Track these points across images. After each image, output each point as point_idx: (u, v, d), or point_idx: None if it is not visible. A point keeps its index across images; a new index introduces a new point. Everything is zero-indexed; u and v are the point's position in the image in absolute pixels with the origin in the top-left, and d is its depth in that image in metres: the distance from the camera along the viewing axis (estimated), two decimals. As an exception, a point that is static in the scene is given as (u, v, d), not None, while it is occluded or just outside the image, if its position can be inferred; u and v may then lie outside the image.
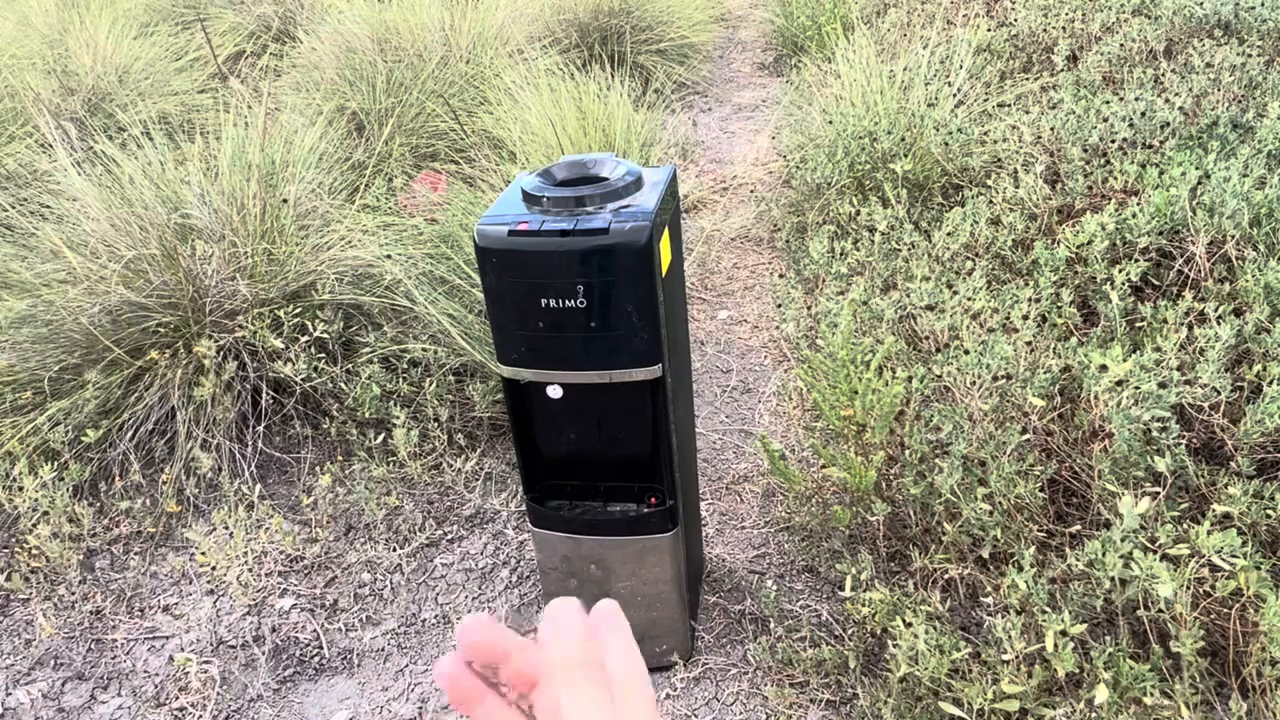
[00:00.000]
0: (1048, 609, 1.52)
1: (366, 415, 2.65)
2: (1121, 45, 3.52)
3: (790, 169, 3.98)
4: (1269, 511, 1.56)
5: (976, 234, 2.61)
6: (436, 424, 2.68)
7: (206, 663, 2.12)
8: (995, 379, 1.92)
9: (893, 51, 4.33)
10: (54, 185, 3.17)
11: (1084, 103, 3.02)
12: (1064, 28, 3.99)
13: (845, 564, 1.87)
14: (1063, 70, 3.57)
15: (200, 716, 1.99)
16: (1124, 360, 1.73)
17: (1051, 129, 2.96)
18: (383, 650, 2.13)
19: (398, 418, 2.52)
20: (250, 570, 2.33)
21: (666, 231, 1.59)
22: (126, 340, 2.56)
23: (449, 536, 2.45)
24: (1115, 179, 2.53)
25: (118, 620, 2.26)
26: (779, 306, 3.33)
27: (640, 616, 1.91)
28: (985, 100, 3.60)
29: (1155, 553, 1.48)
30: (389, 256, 2.88)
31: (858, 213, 3.06)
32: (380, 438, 2.61)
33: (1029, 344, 2.03)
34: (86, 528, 2.43)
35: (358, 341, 2.78)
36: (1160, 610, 1.47)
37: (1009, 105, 3.44)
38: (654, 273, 1.49)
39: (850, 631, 1.96)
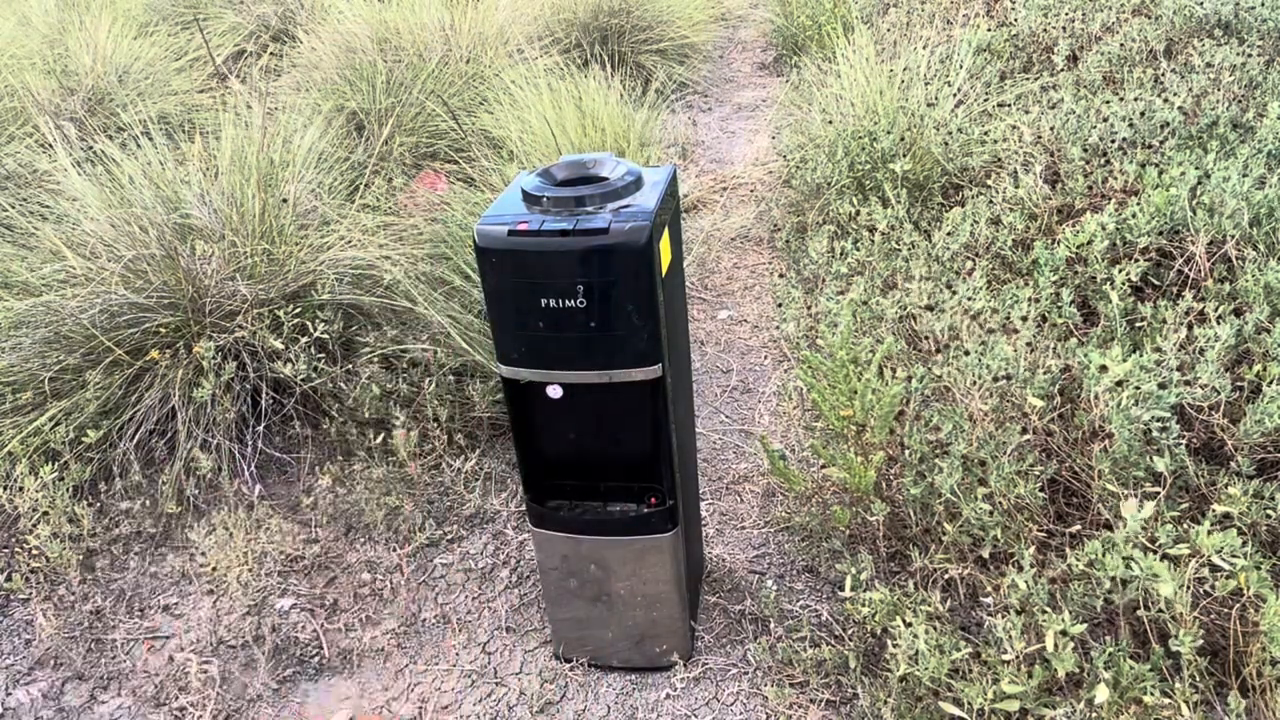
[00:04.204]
0: (1048, 609, 1.52)
1: (366, 415, 2.65)
2: (1121, 45, 3.52)
3: (790, 169, 3.98)
4: (1269, 511, 1.56)
5: (976, 234, 2.61)
6: (436, 424, 2.68)
7: (206, 663, 2.12)
8: (995, 379, 1.91)
9: (893, 51, 4.33)
10: (54, 185, 3.17)
11: (1084, 103, 3.01)
12: (1064, 28, 3.99)
13: (845, 564, 1.87)
14: (1063, 70, 3.57)
15: (200, 716, 1.99)
16: (1124, 360, 1.73)
17: (1051, 129, 2.96)
18: (383, 650, 2.13)
19: (397, 418, 2.52)
20: (250, 570, 2.33)
21: (666, 231, 1.59)
22: (127, 340, 2.56)
23: (449, 536, 2.45)
24: (1115, 179, 2.53)
25: (118, 620, 2.26)
26: (779, 306, 3.33)
27: (640, 616, 1.91)
28: (985, 100, 3.60)
29: (1155, 553, 1.48)
30: (388, 257, 2.88)
31: (858, 213, 3.06)
32: (380, 438, 2.61)
33: (1029, 344, 2.03)
34: (86, 528, 2.43)
35: (358, 342, 2.78)
36: (1160, 610, 1.47)
37: (1009, 105, 3.44)
38: (654, 273, 1.49)
39: (850, 631, 1.95)
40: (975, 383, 1.93)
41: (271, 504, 2.57)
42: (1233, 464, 1.70)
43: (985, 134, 3.21)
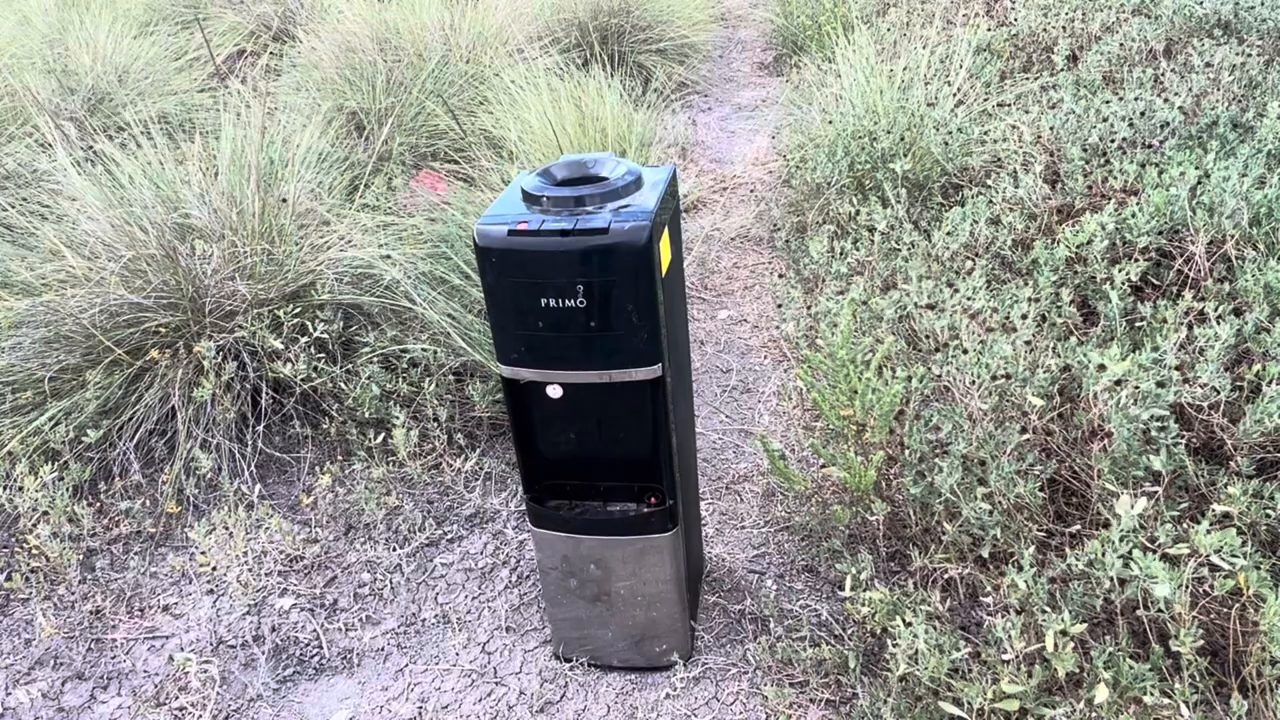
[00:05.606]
0: (1048, 609, 1.52)
1: (366, 415, 2.65)
2: (1121, 45, 3.52)
3: (790, 169, 3.99)
4: (1268, 511, 1.56)
5: (976, 234, 2.61)
6: (436, 424, 2.68)
7: (206, 663, 2.12)
8: (995, 378, 1.91)
9: (893, 51, 4.33)
10: (54, 185, 3.17)
11: (1084, 102, 3.01)
12: (1064, 27, 3.99)
13: (845, 564, 1.87)
14: (1063, 70, 3.57)
15: (200, 716, 1.99)
16: (1123, 360, 1.73)
17: (1051, 129, 2.96)
18: (383, 650, 2.13)
19: (397, 418, 2.52)
20: (250, 570, 2.33)
21: (666, 231, 1.59)
22: (126, 340, 2.56)
23: (449, 536, 2.46)
24: (1115, 179, 2.53)
25: (118, 620, 2.26)
26: (779, 306, 3.33)
27: (640, 616, 1.91)
28: (985, 100, 3.60)
29: (1154, 552, 1.48)
30: (388, 256, 2.88)
31: (857, 212, 3.06)
32: (380, 438, 2.61)
33: (1028, 343, 2.03)
34: (86, 528, 2.43)
35: (357, 341, 2.78)
36: (1160, 610, 1.47)
37: (1009, 105, 3.44)
38: (654, 272, 1.49)
39: (850, 631, 1.96)
40: (975, 382, 1.93)
41: (271, 504, 2.57)
42: (1232, 464, 1.70)
43: (985, 134, 3.21)
